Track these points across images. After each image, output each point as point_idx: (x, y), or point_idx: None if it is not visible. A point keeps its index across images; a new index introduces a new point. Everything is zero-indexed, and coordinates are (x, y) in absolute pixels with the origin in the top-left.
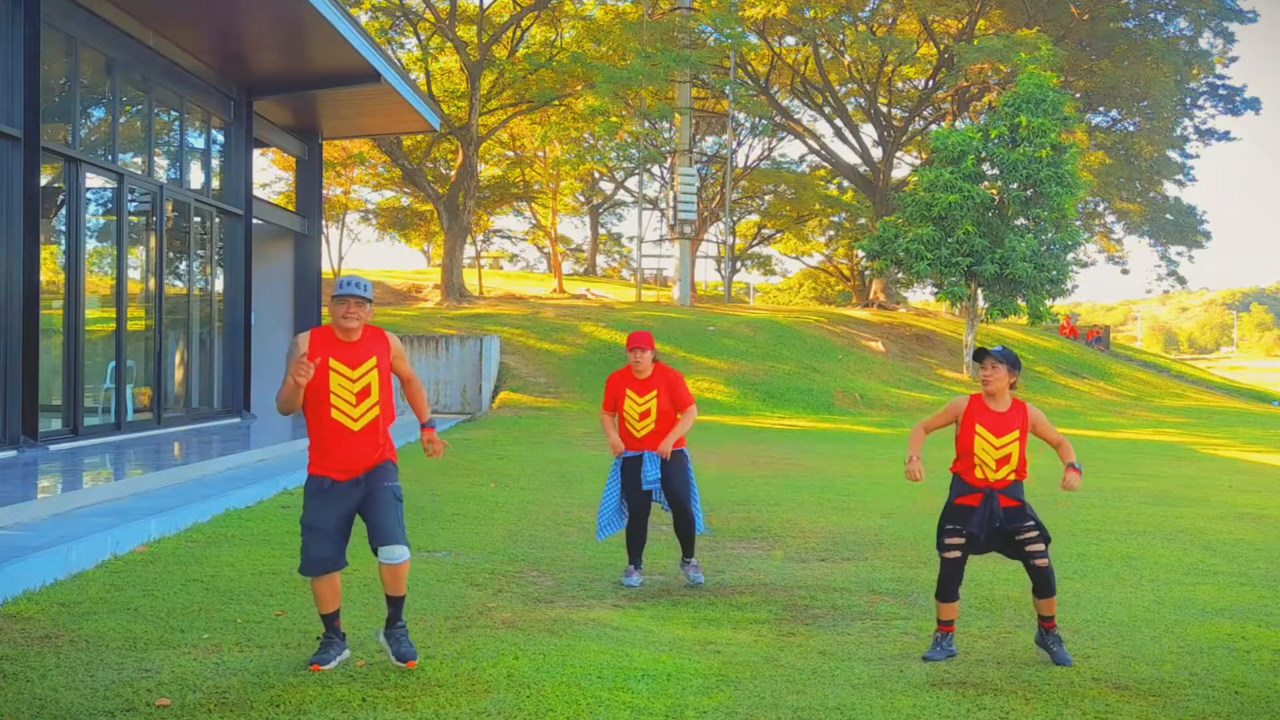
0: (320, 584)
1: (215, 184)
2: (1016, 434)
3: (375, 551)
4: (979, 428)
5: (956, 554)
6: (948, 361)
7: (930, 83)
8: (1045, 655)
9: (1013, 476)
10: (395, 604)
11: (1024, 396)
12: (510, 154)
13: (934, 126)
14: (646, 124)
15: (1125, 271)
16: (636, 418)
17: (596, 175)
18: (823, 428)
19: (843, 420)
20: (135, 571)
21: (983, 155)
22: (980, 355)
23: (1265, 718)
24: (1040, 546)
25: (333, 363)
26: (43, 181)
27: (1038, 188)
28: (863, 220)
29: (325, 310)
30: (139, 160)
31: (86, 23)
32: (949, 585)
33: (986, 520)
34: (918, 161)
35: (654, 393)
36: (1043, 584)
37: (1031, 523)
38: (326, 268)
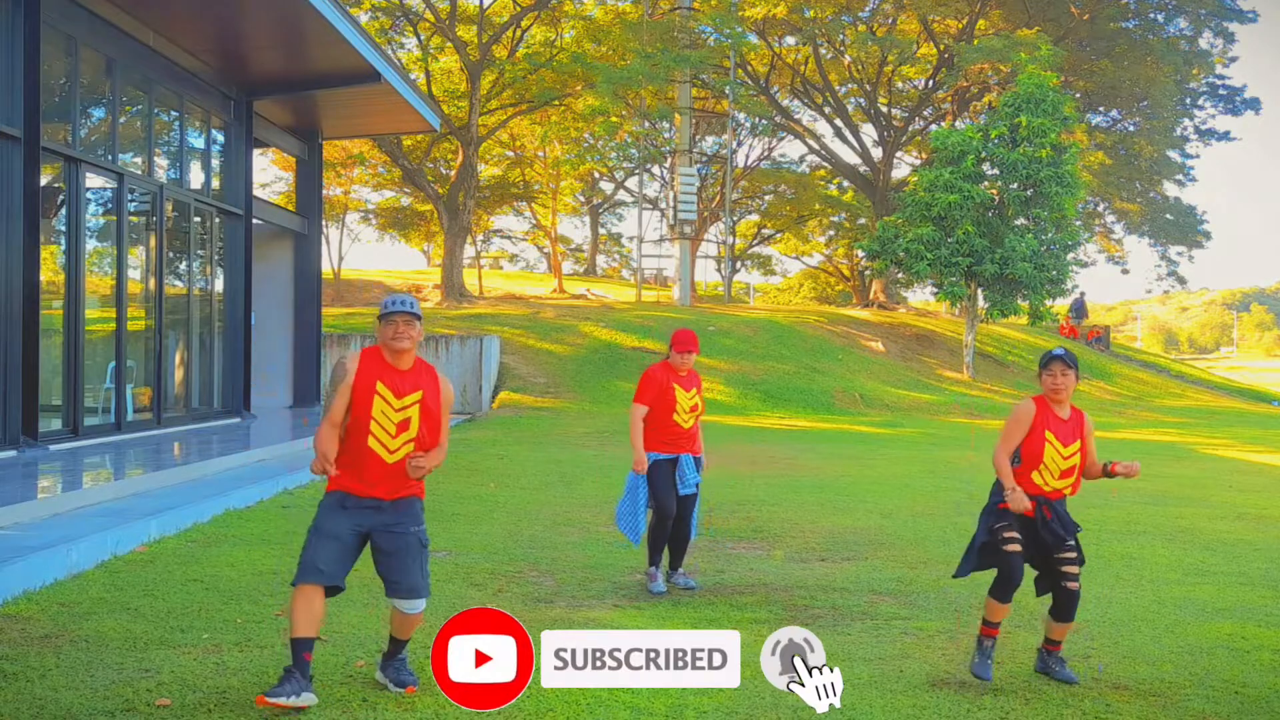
0: (303, 601)
1: (215, 184)
2: (1079, 444)
3: (390, 595)
4: (1049, 434)
5: (1017, 546)
6: (948, 361)
7: (930, 83)
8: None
9: (1068, 491)
10: (399, 644)
11: (1026, 393)
12: (510, 154)
13: (934, 126)
14: (646, 124)
15: (1125, 271)
16: (688, 410)
17: (596, 175)
18: (823, 428)
19: (843, 420)
20: (135, 571)
21: (983, 155)
22: (1048, 360)
23: (1265, 718)
24: (1076, 570)
25: (380, 386)
26: (43, 181)
27: (1038, 188)
28: (863, 220)
29: (325, 311)
30: (139, 160)
31: (86, 23)
32: (1009, 584)
33: (1046, 528)
34: (918, 161)
35: (697, 388)
36: (1068, 607)
37: (1074, 541)
38: (326, 268)
